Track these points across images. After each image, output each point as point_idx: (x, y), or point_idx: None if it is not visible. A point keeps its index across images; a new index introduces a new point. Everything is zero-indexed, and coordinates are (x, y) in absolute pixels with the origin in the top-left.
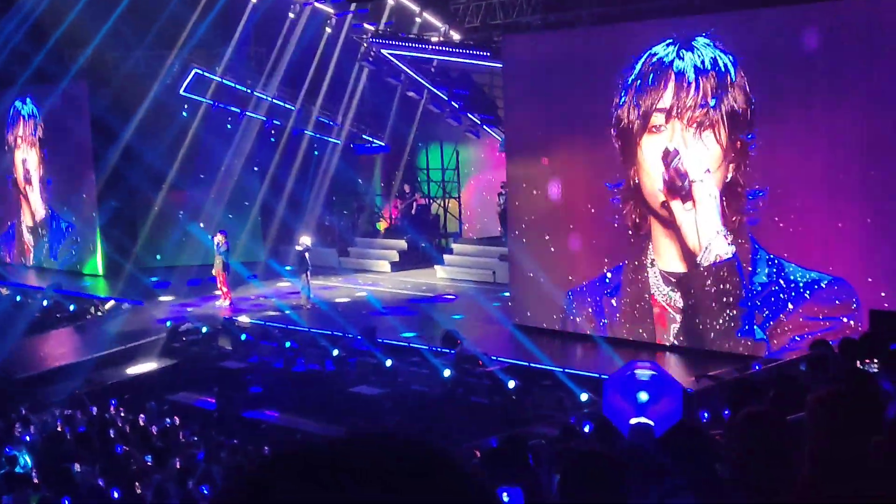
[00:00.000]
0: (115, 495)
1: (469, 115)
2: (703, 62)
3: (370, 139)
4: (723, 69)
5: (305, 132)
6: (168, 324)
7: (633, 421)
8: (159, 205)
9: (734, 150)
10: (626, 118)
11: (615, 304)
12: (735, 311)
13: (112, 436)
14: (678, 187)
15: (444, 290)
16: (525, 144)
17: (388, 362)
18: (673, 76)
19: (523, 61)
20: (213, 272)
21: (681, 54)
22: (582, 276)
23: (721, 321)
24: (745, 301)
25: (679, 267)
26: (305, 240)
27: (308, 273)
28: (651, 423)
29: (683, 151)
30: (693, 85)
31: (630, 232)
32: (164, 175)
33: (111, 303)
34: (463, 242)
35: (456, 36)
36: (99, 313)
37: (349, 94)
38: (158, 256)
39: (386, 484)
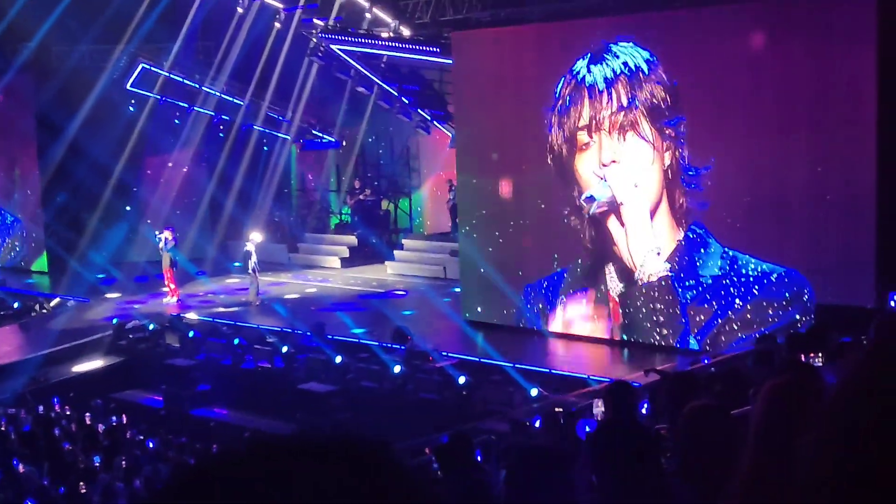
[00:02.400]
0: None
1: (419, 110)
2: (613, 70)
3: (320, 134)
4: (633, 69)
5: (254, 127)
6: (114, 321)
7: None
8: (106, 200)
9: (664, 137)
10: (556, 143)
11: (572, 300)
12: (666, 332)
13: (57, 435)
14: (608, 213)
15: (395, 286)
16: (475, 140)
17: (338, 359)
18: (586, 92)
19: (473, 58)
20: (163, 269)
21: (589, 69)
22: (532, 272)
23: (654, 340)
24: (679, 320)
25: (622, 283)
26: (255, 236)
27: (255, 270)
28: None
29: (609, 166)
30: (605, 93)
31: (587, 248)
32: (111, 170)
33: (56, 300)
34: (413, 238)
35: (406, 32)
36: (44, 311)
37: (298, 89)
38: (104, 253)
39: (327, 485)
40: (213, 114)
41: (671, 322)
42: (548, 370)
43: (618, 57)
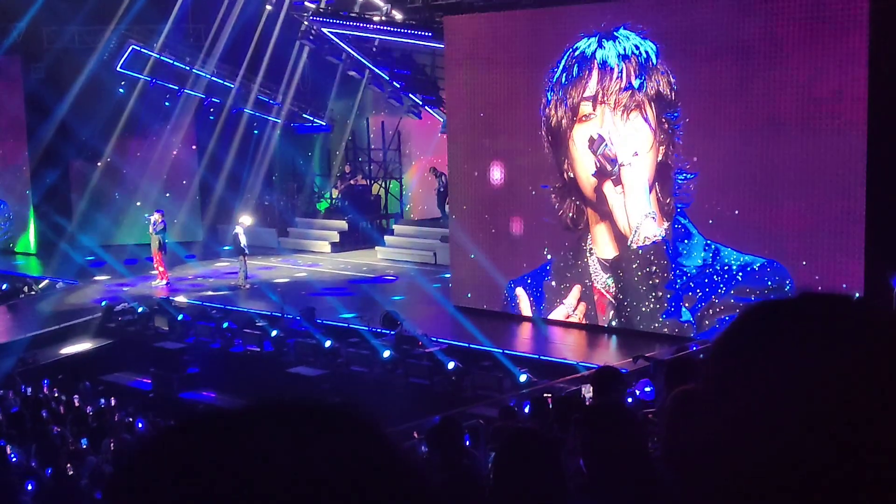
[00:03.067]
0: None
1: (410, 95)
2: (624, 49)
3: (311, 118)
4: (644, 55)
5: (245, 110)
6: (103, 303)
7: None
8: (95, 182)
9: (662, 130)
10: (555, 115)
11: (555, 290)
12: (661, 293)
13: (46, 416)
14: (608, 172)
15: (385, 271)
16: (467, 126)
17: (328, 343)
18: (596, 65)
19: (465, 42)
20: (152, 252)
21: (602, 44)
22: (523, 259)
23: (647, 303)
24: (671, 283)
25: (613, 252)
26: (244, 220)
27: (244, 254)
28: None
29: (611, 135)
30: (616, 69)
31: (569, 227)
32: (100, 152)
33: (45, 282)
34: (404, 223)
35: (398, 15)
36: (32, 292)
37: (289, 72)
38: (93, 235)
39: (290, 444)
40: (203, 96)
41: (665, 285)
42: (537, 356)
43: (629, 39)
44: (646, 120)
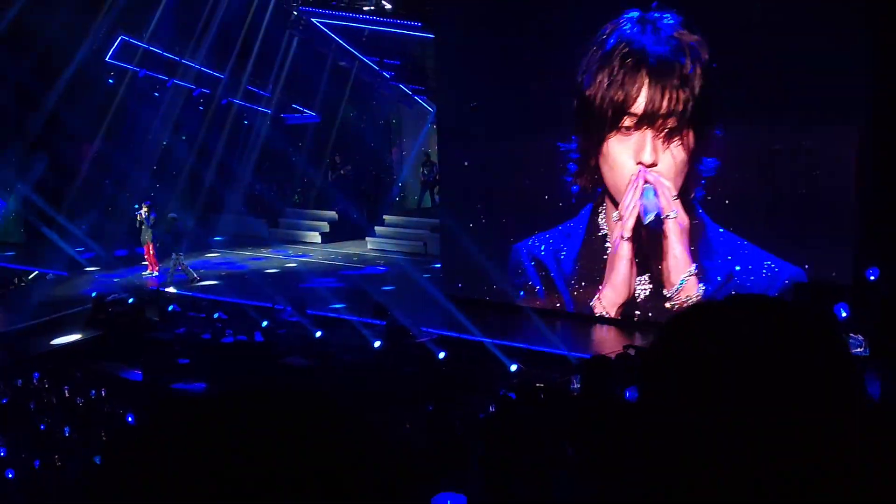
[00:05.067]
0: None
1: (401, 85)
2: (671, 56)
3: (301, 109)
4: (692, 60)
5: (234, 101)
6: (94, 294)
7: None
8: (85, 173)
9: (699, 145)
10: (597, 98)
11: (571, 271)
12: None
13: (36, 408)
14: (649, 226)
15: (375, 262)
16: (457, 115)
17: (318, 333)
18: (646, 74)
19: (455, 31)
20: (143, 243)
21: (653, 49)
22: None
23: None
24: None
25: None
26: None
27: (176, 251)
28: None
29: (658, 182)
30: (667, 90)
31: (584, 193)
32: (90, 143)
33: (35, 273)
34: (394, 214)
35: (387, 5)
36: (22, 284)
37: (279, 63)
38: (83, 226)
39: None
40: (192, 87)
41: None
42: (528, 346)
43: (672, 34)
44: (684, 145)
